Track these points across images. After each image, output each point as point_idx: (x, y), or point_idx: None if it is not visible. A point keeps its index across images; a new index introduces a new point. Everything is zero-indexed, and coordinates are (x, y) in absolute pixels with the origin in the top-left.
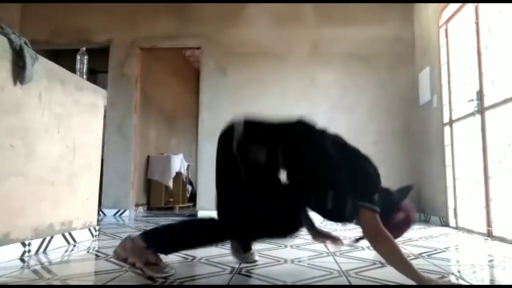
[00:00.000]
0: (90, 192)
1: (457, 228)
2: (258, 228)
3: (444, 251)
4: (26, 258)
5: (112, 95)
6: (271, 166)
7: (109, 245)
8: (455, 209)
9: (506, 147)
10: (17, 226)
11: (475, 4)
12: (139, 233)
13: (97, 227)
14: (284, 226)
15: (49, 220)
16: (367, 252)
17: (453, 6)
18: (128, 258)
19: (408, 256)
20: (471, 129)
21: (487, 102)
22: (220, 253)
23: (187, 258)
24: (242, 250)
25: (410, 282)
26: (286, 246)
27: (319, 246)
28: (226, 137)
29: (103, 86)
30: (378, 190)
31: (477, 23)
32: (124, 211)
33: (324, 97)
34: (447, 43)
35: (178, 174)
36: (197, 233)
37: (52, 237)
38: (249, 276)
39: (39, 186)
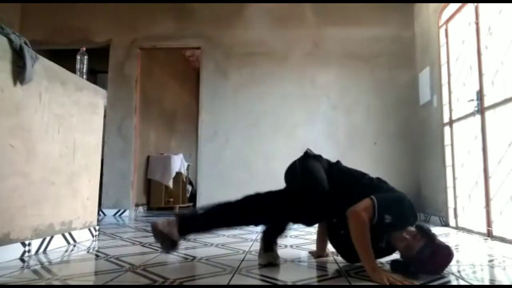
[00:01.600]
0: (90, 192)
1: (457, 228)
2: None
3: None
4: (26, 258)
5: (112, 95)
6: None
7: (109, 245)
8: (455, 209)
9: (506, 147)
10: (17, 226)
11: (475, 4)
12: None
13: (97, 227)
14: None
15: (49, 220)
16: None
17: (453, 6)
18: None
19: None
20: (471, 129)
21: (487, 102)
22: (220, 253)
23: (187, 258)
24: (265, 249)
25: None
26: (286, 246)
27: None
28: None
29: (103, 86)
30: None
31: (477, 23)
32: (124, 211)
33: (324, 97)
34: (447, 43)
35: (178, 174)
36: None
37: (52, 237)
38: (249, 276)
39: (39, 186)
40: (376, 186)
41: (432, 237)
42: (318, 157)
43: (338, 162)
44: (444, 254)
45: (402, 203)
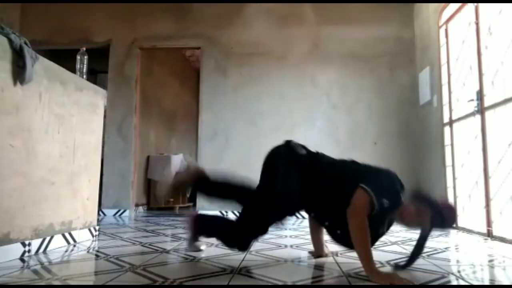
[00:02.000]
0: (90, 192)
1: (457, 228)
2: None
3: (444, 251)
4: (26, 258)
5: (112, 95)
6: None
7: (109, 245)
8: None
9: (506, 147)
10: (17, 226)
11: (475, 4)
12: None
13: (97, 227)
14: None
15: (49, 220)
16: None
17: (453, 6)
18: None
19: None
20: (471, 129)
21: (487, 102)
22: (220, 253)
23: (187, 258)
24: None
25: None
26: (286, 246)
27: None
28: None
29: (103, 86)
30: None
31: (477, 23)
32: (124, 211)
33: (324, 97)
34: (447, 43)
35: None
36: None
37: (52, 237)
38: (249, 276)
39: (39, 186)
40: (358, 172)
41: (434, 204)
42: (301, 148)
43: (318, 153)
44: (452, 213)
45: (391, 180)
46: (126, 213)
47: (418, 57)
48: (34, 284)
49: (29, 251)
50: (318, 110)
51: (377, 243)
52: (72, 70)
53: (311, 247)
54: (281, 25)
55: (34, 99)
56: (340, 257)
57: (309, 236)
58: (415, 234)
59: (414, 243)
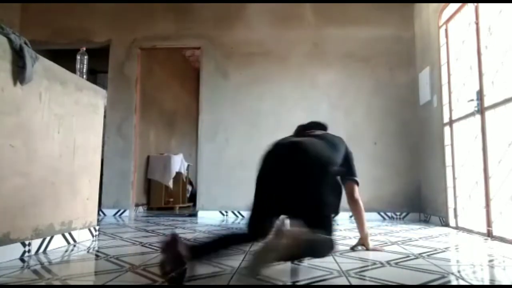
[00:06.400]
0: (90, 192)
1: (457, 228)
2: None
3: (444, 251)
4: (26, 258)
5: (112, 95)
6: None
7: (109, 245)
8: (455, 209)
9: (506, 147)
10: (17, 226)
11: (475, 4)
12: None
13: (97, 227)
14: None
15: (49, 220)
16: (367, 252)
17: (453, 6)
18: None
19: (408, 256)
20: (471, 129)
21: (487, 102)
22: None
23: None
24: None
25: (411, 283)
26: None
27: None
28: None
29: (103, 86)
30: None
31: (477, 23)
32: (124, 211)
33: (324, 97)
34: (447, 43)
35: (178, 174)
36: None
37: (52, 237)
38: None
39: (39, 186)
40: None
41: None
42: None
43: None
44: None
45: None
46: (126, 213)
47: (418, 57)
48: (34, 284)
49: (29, 251)
50: (318, 110)
51: (376, 243)
52: (72, 70)
53: None
54: (281, 26)
55: (34, 99)
56: (340, 257)
57: None
58: (415, 234)
59: (413, 243)
